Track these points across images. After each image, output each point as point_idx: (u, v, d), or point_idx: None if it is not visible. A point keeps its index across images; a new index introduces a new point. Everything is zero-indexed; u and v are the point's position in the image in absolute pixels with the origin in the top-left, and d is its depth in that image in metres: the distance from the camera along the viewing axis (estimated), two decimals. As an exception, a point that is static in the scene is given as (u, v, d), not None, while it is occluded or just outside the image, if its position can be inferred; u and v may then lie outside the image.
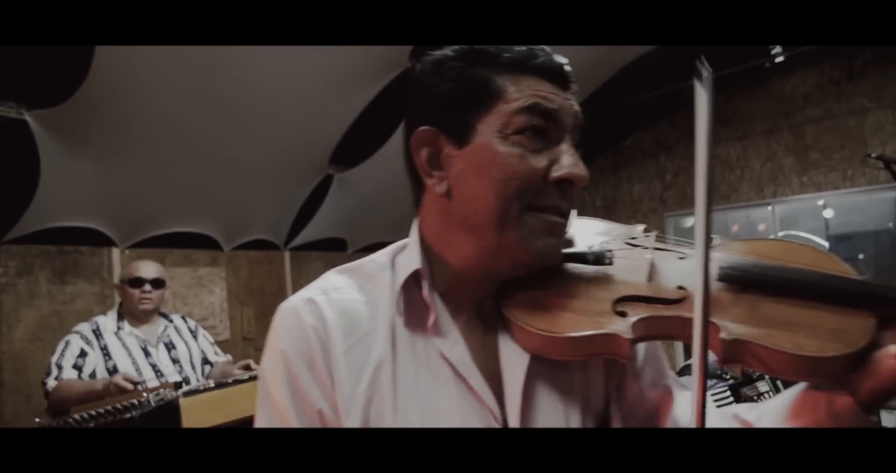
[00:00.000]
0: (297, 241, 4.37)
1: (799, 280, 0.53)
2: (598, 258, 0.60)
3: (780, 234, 5.10)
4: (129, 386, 1.80)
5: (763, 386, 1.82)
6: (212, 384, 1.81)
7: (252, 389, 1.88)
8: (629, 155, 5.78)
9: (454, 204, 0.56)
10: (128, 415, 1.60)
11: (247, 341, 4.10)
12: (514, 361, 0.57)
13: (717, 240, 0.62)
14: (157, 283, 2.20)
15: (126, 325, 2.16)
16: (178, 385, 1.88)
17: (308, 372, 0.56)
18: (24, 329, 2.99)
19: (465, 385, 0.56)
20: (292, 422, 0.56)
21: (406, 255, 0.61)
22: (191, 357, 2.26)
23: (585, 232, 0.66)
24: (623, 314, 0.54)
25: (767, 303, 0.54)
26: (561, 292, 0.58)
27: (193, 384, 2.05)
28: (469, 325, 0.59)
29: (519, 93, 0.53)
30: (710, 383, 2.00)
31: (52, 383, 1.94)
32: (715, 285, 0.55)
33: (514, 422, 0.55)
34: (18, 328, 2.98)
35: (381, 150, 3.85)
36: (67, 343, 2.03)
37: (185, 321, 2.39)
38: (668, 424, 0.63)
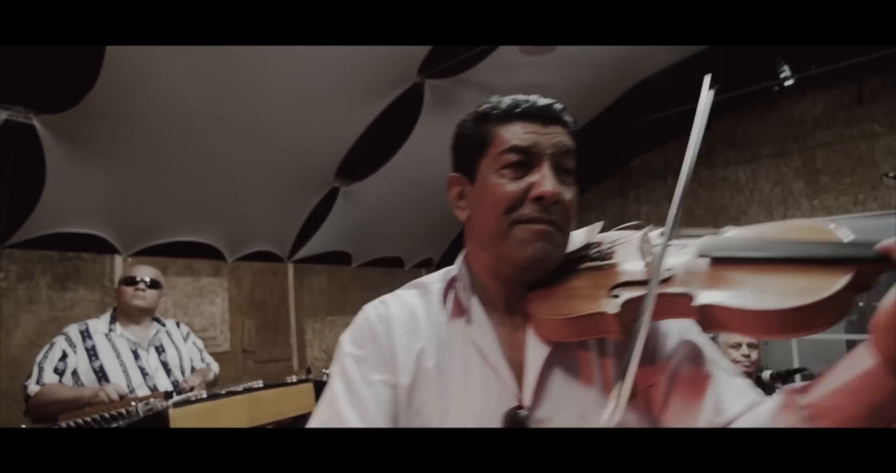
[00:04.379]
0: (301, 253, 4.34)
1: (769, 251, 0.58)
2: (600, 254, 0.72)
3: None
4: (116, 397, 1.76)
5: None
6: (204, 395, 1.77)
7: (245, 402, 1.84)
8: (636, 176, 5.75)
9: (471, 226, 0.75)
10: (115, 425, 1.56)
11: (247, 353, 4.04)
12: (535, 351, 0.70)
13: (727, 228, 0.68)
14: (153, 283, 2.19)
15: (118, 327, 2.13)
16: (168, 395, 1.84)
17: (372, 346, 0.73)
18: (22, 335, 2.96)
19: (489, 367, 0.70)
20: (358, 382, 0.71)
21: (454, 267, 0.80)
22: (181, 362, 2.22)
23: (606, 238, 0.78)
24: (616, 296, 0.64)
25: (741, 274, 0.58)
26: (570, 286, 0.70)
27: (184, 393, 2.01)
28: (501, 322, 0.74)
29: (504, 138, 0.71)
30: None
31: (33, 387, 1.91)
32: (697, 262, 0.62)
33: (527, 401, 0.68)
34: (16, 333, 2.95)
35: (388, 164, 3.85)
36: (52, 345, 2.01)
37: (178, 327, 2.37)
38: (708, 410, 0.66)
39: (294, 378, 2.04)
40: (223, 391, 1.83)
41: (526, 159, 0.69)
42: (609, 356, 0.72)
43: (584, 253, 0.74)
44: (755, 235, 0.63)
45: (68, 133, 2.67)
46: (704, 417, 0.65)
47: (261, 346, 4.13)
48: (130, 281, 2.16)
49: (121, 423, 1.57)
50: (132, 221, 3.32)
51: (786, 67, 4.15)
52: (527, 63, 3.31)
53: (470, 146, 0.74)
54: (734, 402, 0.65)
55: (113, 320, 2.16)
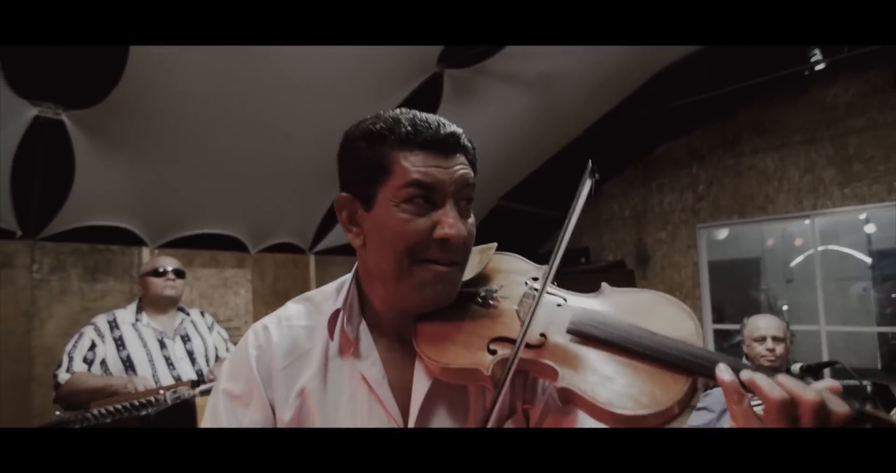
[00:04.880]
0: (322, 245, 4.39)
1: (628, 340, 0.62)
2: (485, 300, 0.72)
3: (820, 249, 4.90)
4: (143, 390, 1.81)
5: None
6: (229, 384, 1.80)
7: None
8: (660, 164, 5.65)
9: (368, 255, 0.71)
10: (144, 412, 1.60)
11: (269, 343, 4.13)
12: (421, 378, 0.70)
13: (604, 287, 0.72)
14: (179, 273, 2.24)
15: (144, 317, 2.18)
16: (195, 384, 1.88)
17: (247, 383, 0.72)
18: (55, 325, 3.06)
19: (375, 399, 0.70)
20: (225, 422, 0.71)
21: (342, 291, 0.75)
22: (206, 351, 2.26)
23: (501, 267, 0.78)
24: (493, 352, 0.66)
25: (601, 356, 0.63)
26: (454, 326, 0.70)
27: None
28: (389, 348, 0.74)
29: (405, 170, 0.66)
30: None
31: (63, 375, 1.96)
32: (562, 338, 0.66)
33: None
34: (50, 323, 3.05)
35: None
36: (81, 335, 2.06)
37: (203, 316, 2.41)
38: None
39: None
40: (248, 381, 1.85)
41: (429, 195, 0.66)
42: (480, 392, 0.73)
43: (473, 290, 0.73)
44: (628, 314, 0.67)
45: (96, 128, 2.73)
46: None
47: (284, 336, 4.21)
48: (158, 273, 2.20)
49: (150, 411, 1.61)
50: (158, 214, 3.39)
51: (817, 51, 4.00)
52: (547, 51, 3.26)
53: (365, 170, 0.68)
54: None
55: (139, 310, 2.21)
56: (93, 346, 2.04)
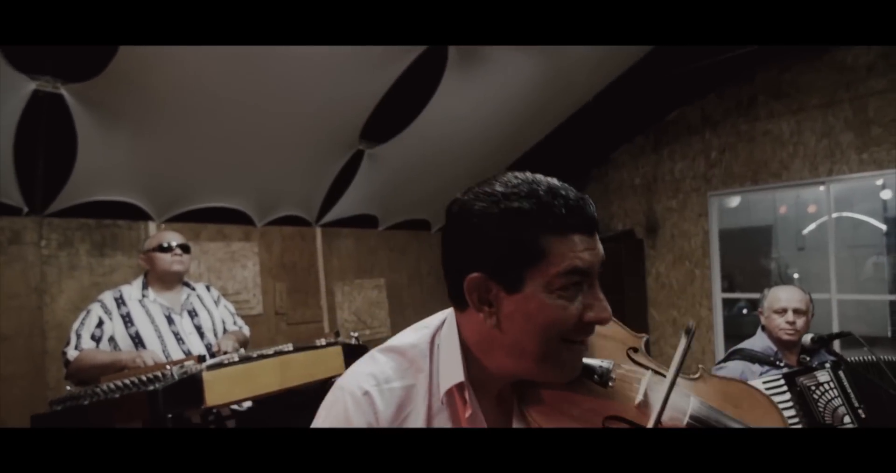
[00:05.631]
0: (329, 217, 4.38)
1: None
2: (603, 379, 0.74)
3: (834, 216, 4.81)
4: (152, 364, 1.82)
5: (823, 376, 1.63)
6: (236, 359, 1.81)
7: (276, 365, 1.88)
8: (672, 131, 5.52)
9: (503, 335, 0.70)
10: (151, 387, 1.62)
11: (279, 315, 4.16)
12: None
13: (701, 372, 0.80)
14: (185, 248, 2.24)
15: (151, 292, 2.19)
16: (201, 359, 1.89)
17: None
18: (66, 300, 3.10)
19: None
20: None
21: (447, 354, 0.75)
22: (213, 325, 2.28)
23: (599, 331, 0.77)
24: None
25: None
26: (567, 399, 0.73)
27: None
28: (490, 404, 0.76)
29: (562, 256, 0.65)
30: (762, 369, 1.87)
31: (72, 352, 1.99)
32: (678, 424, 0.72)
33: None
34: (61, 298, 3.09)
35: (412, 125, 3.77)
36: (88, 313, 2.08)
37: (209, 290, 2.42)
38: None
39: (323, 342, 2.07)
40: (255, 355, 1.87)
41: (581, 280, 0.67)
42: None
43: (592, 368, 0.75)
44: (727, 404, 0.77)
45: (96, 102, 2.69)
46: None
47: (293, 308, 4.24)
48: (165, 248, 2.20)
49: (157, 385, 1.63)
50: (163, 187, 3.37)
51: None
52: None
53: (513, 252, 0.66)
54: None
55: (145, 286, 2.22)
56: (100, 323, 2.06)
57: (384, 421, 0.71)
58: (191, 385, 1.67)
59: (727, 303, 5.62)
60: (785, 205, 7.29)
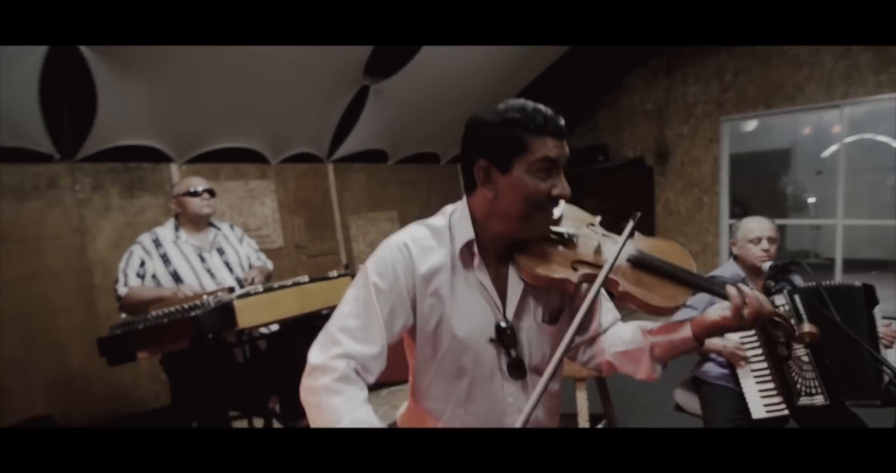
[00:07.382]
0: (339, 153, 4.50)
1: (661, 268, 1.06)
2: (569, 238, 1.09)
3: (851, 139, 4.75)
4: (191, 294, 2.08)
5: (780, 299, 1.82)
6: (260, 289, 2.06)
7: (295, 294, 2.13)
8: (686, 53, 5.36)
9: (499, 204, 1.02)
10: (193, 313, 1.88)
11: (299, 248, 4.43)
12: (515, 285, 1.08)
13: (636, 236, 1.12)
14: (211, 192, 2.44)
15: (183, 234, 2.42)
16: (231, 290, 2.15)
17: (395, 280, 1.03)
18: (104, 239, 3.38)
19: (487, 296, 1.07)
20: (374, 299, 1.02)
21: (460, 224, 1.08)
22: (240, 261, 2.53)
23: (567, 215, 1.14)
24: (575, 269, 1.05)
25: (645, 276, 1.06)
26: (547, 251, 1.07)
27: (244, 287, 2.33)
28: (493, 264, 1.08)
29: (538, 148, 0.97)
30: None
31: (122, 289, 2.27)
32: (624, 264, 1.07)
33: (510, 315, 1.07)
34: (99, 238, 3.37)
35: (415, 59, 3.78)
36: (131, 254, 2.33)
37: (233, 229, 2.63)
38: (596, 320, 1.20)
39: (335, 273, 2.31)
40: (276, 286, 2.11)
41: (552, 167, 0.98)
42: (555, 291, 1.13)
43: (560, 231, 1.09)
44: (659, 253, 1.09)
45: (109, 52, 2.79)
46: (593, 327, 1.19)
47: (311, 241, 4.50)
48: (194, 193, 2.40)
49: (198, 312, 1.89)
50: (180, 130, 3.52)
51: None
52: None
53: (507, 146, 0.98)
54: (606, 316, 1.19)
55: (177, 228, 2.44)
56: (142, 263, 2.31)
57: (418, 265, 1.03)
58: (225, 311, 1.93)
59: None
60: (809, 127, 7.05)
